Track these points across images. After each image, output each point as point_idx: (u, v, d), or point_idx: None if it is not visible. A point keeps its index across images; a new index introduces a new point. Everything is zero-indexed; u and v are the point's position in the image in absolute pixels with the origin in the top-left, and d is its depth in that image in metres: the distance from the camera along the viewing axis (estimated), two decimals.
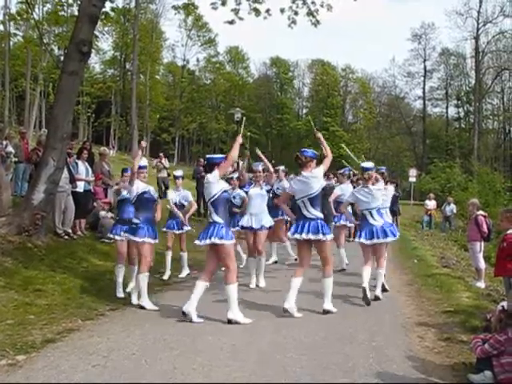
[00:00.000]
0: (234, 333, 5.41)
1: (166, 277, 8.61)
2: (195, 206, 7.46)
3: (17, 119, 40.13)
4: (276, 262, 10.04)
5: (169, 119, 53.79)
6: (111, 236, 7.54)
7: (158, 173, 18.37)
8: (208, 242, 5.80)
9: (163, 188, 17.80)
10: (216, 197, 5.90)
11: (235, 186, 9.73)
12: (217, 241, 5.76)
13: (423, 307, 6.83)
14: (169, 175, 18.06)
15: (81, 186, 10.30)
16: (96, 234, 10.51)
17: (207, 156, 6.51)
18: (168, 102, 53.53)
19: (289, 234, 6.56)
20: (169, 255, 8.80)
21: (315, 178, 6.21)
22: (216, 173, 5.91)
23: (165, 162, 18.99)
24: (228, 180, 10.13)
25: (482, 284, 8.75)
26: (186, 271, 8.92)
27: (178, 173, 9.16)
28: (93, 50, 10.80)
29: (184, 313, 5.78)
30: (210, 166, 6.04)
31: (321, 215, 6.26)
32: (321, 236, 6.09)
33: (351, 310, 6.53)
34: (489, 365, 4.10)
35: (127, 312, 6.28)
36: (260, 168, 8.44)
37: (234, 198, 9.22)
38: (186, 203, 8.79)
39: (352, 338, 5.31)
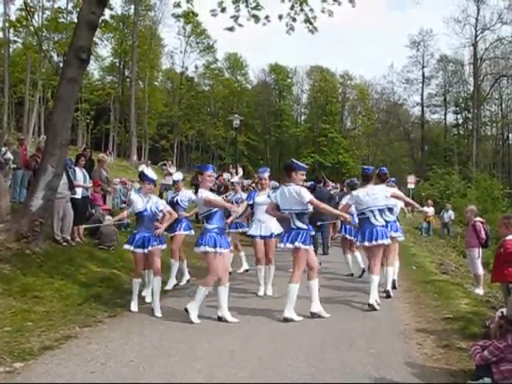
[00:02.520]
0: (233, 339, 5.39)
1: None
2: (174, 216, 7.34)
3: (16, 125, 40.19)
4: (247, 271, 9.71)
5: (167, 126, 53.90)
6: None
7: (162, 179, 18.13)
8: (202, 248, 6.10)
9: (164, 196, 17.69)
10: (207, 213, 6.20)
11: (237, 190, 9.73)
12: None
13: (422, 314, 6.81)
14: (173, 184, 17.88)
15: (79, 193, 10.28)
16: (94, 240, 10.48)
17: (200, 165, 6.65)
18: (167, 109, 53.70)
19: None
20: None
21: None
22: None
23: (171, 168, 18.60)
24: (231, 185, 10.14)
25: (480, 290, 8.74)
26: (186, 277, 8.84)
27: (177, 177, 9.05)
28: (92, 57, 10.82)
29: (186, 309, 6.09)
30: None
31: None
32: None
33: (350, 316, 6.51)
34: (488, 372, 4.09)
35: (125, 319, 6.26)
36: (266, 175, 8.29)
37: (236, 202, 9.18)
38: (186, 203, 8.68)
39: (350, 344, 5.30)
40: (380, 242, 6.99)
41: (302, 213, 6.35)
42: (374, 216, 7.14)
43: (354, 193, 7.42)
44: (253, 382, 4.20)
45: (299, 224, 6.32)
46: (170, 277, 8.24)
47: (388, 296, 7.47)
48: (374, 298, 6.93)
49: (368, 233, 7.07)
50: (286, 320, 6.11)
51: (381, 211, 7.28)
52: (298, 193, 6.26)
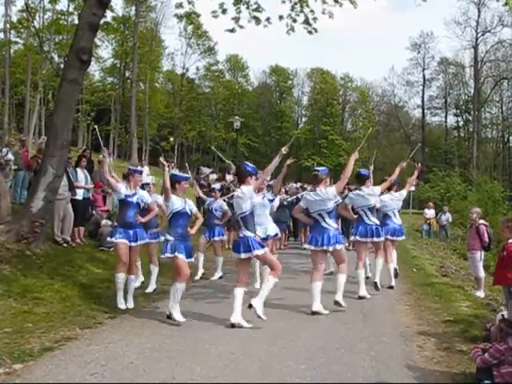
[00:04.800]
0: (233, 342, 5.38)
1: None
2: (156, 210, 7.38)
3: (16, 126, 40.15)
4: (221, 278, 9.39)
5: (168, 127, 53.86)
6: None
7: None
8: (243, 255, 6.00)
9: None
10: (247, 212, 6.05)
11: (217, 197, 9.73)
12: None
13: (423, 316, 6.80)
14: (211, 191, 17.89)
15: (80, 194, 10.29)
16: (95, 241, 10.48)
17: (245, 164, 6.31)
18: (167, 110, 53.65)
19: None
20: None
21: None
22: (250, 188, 6.02)
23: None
24: (210, 191, 10.21)
25: (481, 293, 8.74)
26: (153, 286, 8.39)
27: (148, 180, 9.04)
28: (93, 58, 10.83)
29: (233, 325, 5.86)
30: (243, 178, 6.10)
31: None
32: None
33: (350, 319, 6.49)
34: (489, 375, 4.08)
35: (126, 320, 6.25)
36: None
37: (216, 210, 9.33)
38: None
39: (351, 347, 5.28)
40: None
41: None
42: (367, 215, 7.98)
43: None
44: (253, 383, 4.19)
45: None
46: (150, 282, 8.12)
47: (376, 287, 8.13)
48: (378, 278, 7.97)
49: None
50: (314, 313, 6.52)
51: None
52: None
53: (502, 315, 4.56)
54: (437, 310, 7.16)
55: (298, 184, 18.86)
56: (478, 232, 8.97)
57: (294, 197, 13.80)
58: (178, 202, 6.21)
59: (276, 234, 8.35)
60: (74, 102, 9.87)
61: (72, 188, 9.94)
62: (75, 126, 38.74)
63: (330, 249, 6.81)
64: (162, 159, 6.69)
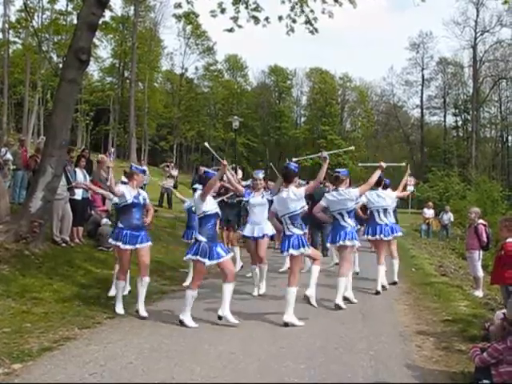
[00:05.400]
0: (232, 342, 5.38)
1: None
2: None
3: (15, 126, 40.13)
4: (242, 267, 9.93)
5: (167, 127, 53.87)
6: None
7: (164, 180, 17.98)
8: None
9: (166, 197, 17.60)
10: (297, 212, 6.24)
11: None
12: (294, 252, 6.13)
13: (421, 316, 6.81)
14: (175, 187, 17.78)
15: (79, 194, 10.28)
16: (94, 241, 10.47)
17: (291, 164, 6.52)
18: (166, 110, 53.65)
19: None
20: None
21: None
22: (302, 190, 6.31)
23: (173, 170, 18.44)
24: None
25: (480, 293, 8.74)
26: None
27: (145, 181, 8.94)
28: (91, 58, 10.83)
29: (286, 324, 5.99)
30: (290, 178, 6.36)
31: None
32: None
33: (349, 319, 6.50)
34: (487, 374, 4.09)
35: (125, 320, 6.23)
36: (260, 176, 8.22)
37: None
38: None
39: (350, 346, 5.29)
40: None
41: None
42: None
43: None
44: (252, 383, 4.19)
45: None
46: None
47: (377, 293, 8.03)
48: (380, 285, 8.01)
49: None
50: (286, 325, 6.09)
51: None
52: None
53: (504, 313, 4.55)
54: (436, 309, 7.16)
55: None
56: (477, 231, 8.98)
57: None
58: (211, 203, 6.12)
59: (273, 234, 8.37)
60: (72, 102, 9.86)
61: (70, 188, 9.93)
62: (74, 125, 38.66)
63: (342, 243, 7.13)
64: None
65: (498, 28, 47.07)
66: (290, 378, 4.34)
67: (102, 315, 6.32)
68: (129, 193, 6.54)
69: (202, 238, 5.94)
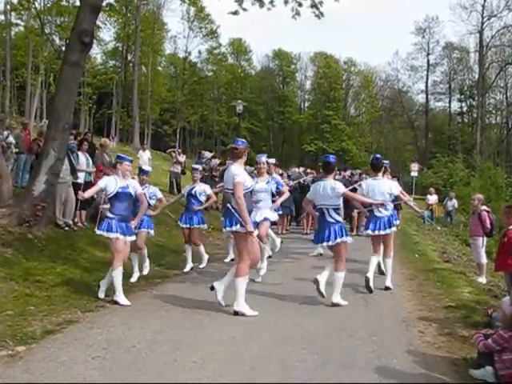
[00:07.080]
0: (234, 326, 5.39)
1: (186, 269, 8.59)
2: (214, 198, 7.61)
3: (18, 109, 40.08)
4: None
5: (170, 111, 53.69)
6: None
7: (171, 167, 17.99)
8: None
9: (174, 184, 17.51)
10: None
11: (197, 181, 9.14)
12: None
13: (424, 302, 6.81)
14: (183, 173, 17.69)
15: (82, 178, 10.26)
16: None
17: (330, 156, 6.88)
18: (169, 94, 53.42)
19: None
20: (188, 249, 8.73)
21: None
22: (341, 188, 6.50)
23: (180, 156, 18.31)
24: (212, 176, 9.88)
25: (483, 279, 8.74)
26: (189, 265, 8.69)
27: (146, 168, 8.58)
28: (94, 41, 10.73)
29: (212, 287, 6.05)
30: (331, 170, 6.65)
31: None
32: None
33: (352, 305, 6.50)
34: (490, 360, 4.10)
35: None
36: (263, 159, 8.08)
37: (200, 194, 8.67)
38: (154, 201, 8.28)
39: (353, 332, 5.29)
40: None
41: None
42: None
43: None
44: (254, 371, 4.19)
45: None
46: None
47: (388, 288, 7.45)
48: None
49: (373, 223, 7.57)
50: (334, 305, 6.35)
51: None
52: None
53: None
54: (439, 295, 7.17)
55: (301, 169, 18.85)
56: (480, 218, 8.95)
57: (297, 181, 13.79)
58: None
59: (274, 220, 8.32)
60: (75, 85, 9.80)
61: (74, 172, 9.92)
62: (77, 109, 38.55)
63: (378, 232, 7.44)
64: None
65: (505, 13, 46.41)
66: (291, 362, 4.35)
67: (104, 298, 6.34)
68: (112, 184, 6.48)
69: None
